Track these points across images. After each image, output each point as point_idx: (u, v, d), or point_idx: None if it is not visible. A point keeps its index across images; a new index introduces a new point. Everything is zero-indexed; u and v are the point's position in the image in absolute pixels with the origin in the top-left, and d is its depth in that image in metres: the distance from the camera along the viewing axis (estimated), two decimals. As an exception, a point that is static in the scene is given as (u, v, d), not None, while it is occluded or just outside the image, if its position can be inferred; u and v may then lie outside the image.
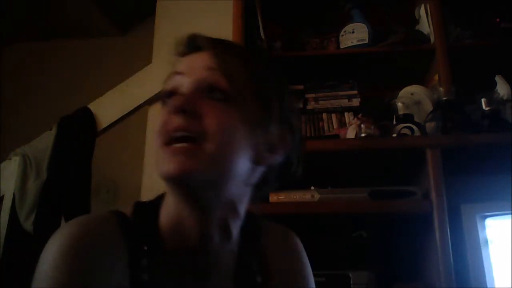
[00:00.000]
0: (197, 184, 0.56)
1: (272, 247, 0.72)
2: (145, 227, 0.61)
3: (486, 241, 1.25)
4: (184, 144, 0.55)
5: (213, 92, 0.58)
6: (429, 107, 1.52)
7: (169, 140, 0.56)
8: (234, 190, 0.61)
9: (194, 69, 0.60)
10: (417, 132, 1.42)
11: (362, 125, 1.45)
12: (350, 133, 1.50)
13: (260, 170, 0.63)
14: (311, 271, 0.76)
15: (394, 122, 1.49)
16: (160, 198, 0.65)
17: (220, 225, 0.61)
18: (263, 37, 1.64)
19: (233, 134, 0.57)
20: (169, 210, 0.62)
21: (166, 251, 0.61)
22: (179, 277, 0.62)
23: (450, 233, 1.25)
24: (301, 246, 0.77)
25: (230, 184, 0.59)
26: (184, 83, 0.60)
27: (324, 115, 1.73)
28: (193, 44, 0.64)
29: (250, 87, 0.60)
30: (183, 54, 0.65)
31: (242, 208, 0.64)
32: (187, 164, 0.54)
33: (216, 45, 0.62)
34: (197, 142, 0.55)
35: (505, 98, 1.46)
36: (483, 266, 1.22)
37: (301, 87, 1.75)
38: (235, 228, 0.64)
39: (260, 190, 0.66)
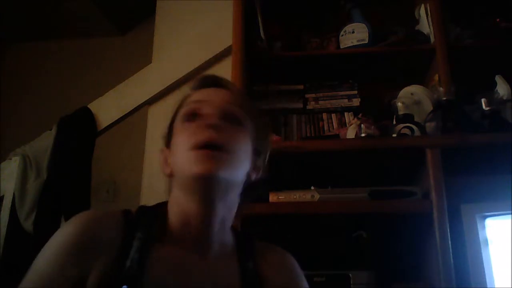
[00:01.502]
0: (218, 182, 0.71)
1: (268, 266, 0.80)
2: (146, 220, 0.75)
3: (486, 241, 1.25)
4: (212, 152, 0.70)
5: (232, 119, 0.76)
6: (429, 107, 1.52)
7: (199, 146, 0.70)
8: (233, 196, 0.77)
9: (214, 100, 0.77)
10: (417, 132, 1.42)
11: (362, 125, 1.45)
12: (350, 133, 1.50)
13: (243, 183, 0.78)
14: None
15: (394, 122, 1.49)
16: (160, 205, 0.80)
17: (220, 221, 0.76)
18: (263, 37, 1.64)
19: (243, 150, 0.76)
20: (178, 209, 0.76)
21: (172, 236, 0.74)
22: (182, 260, 0.73)
23: (450, 233, 1.25)
24: (297, 266, 0.84)
25: (234, 189, 0.76)
26: (205, 108, 0.76)
27: (324, 115, 1.73)
28: (209, 82, 0.82)
29: (255, 122, 0.80)
30: (201, 87, 0.82)
31: (234, 211, 0.79)
32: (216, 165, 0.70)
33: (229, 85, 0.83)
34: (222, 151, 0.71)
35: (505, 98, 1.46)
36: (483, 266, 1.22)
37: (301, 87, 1.75)
38: (228, 225, 0.79)
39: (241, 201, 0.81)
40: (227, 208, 0.77)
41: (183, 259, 0.73)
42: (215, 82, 0.82)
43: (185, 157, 0.72)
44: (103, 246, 0.68)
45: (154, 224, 0.74)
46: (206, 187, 0.72)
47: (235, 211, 0.79)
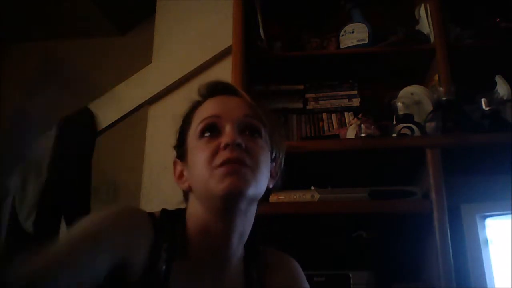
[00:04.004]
0: (243, 200, 0.71)
1: (272, 270, 0.82)
2: (169, 227, 0.75)
3: (486, 241, 1.25)
4: (239, 166, 0.70)
5: (250, 131, 0.76)
6: (429, 107, 1.52)
7: (223, 166, 0.70)
8: (253, 209, 0.77)
9: (231, 113, 0.76)
10: (417, 132, 1.42)
11: (362, 125, 1.45)
12: (350, 133, 1.50)
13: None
14: None
15: (394, 122, 1.49)
16: (180, 211, 0.79)
17: (239, 235, 0.75)
18: (263, 37, 1.64)
19: (265, 162, 0.75)
20: (197, 222, 0.75)
21: (191, 249, 0.74)
22: (199, 273, 0.74)
23: (450, 233, 1.25)
24: (300, 270, 0.86)
25: (255, 203, 0.76)
26: (222, 123, 0.75)
27: (324, 115, 1.73)
28: (221, 89, 0.81)
29: (271, 129, 0.79)
30: (212, 95, 0.81)
31: (251, 226, 0.78)
32: (242, 183, 0.70)
33: (239, 92, 0.80)
34: (246, 168, 0.71)
35: (505, 98, 1.46)
36: (483, 266, 1.22)
37: (301, 87, 1.75)
38: (245, 237, 0.78)
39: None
40: (247, 221, 0.77)
41: (202, 274, 0.74)
42: (226, 89, 0.81)
43: (208, 176, 0.70)
44: (139, 242, 0.69)
45: (177, 234, 0.75)
46: (231, 205, 0.72)
47: (252, 222, 0.79)
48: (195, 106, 0.81)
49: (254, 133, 0.76)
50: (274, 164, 0.80)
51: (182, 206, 0.81)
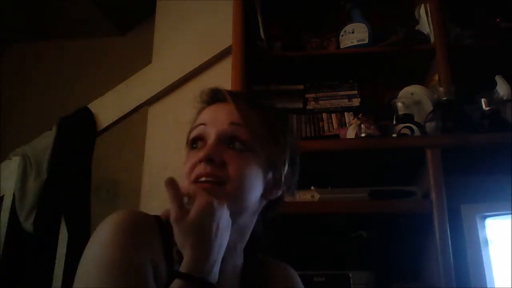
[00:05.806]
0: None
1: (273, 280, 0.83)
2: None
3: (486, 241, 1.25)
4: (208, 185, 0.68)
5: (234, 143, 0.72)
6: (429, 107, 1.52)
7: (196, 181, 0.69)
8: (245, 219, 0.74)
9: (217, 121, 0.73)
10: (417, 132, 1.42)
11: (362, 125, 1.45)
12: (350, 133, 1.50)
13: (259, 204, 0.76)
14: None
15: (394, 122, 1.50)
16: None
17: (230, 245, 0.70)
18: (263, 37, 1.64)
19: (249, 177, 0.71)
20: None
21: None
22: None
23: (450, 233, 1.25)
24: (298, 279, 0.87)
25: (243, 215, 0.73)
26: (208, 133, 0.73)
27: (324, 115, 1.73)
28: (216, 96, 0.78)
29: (266, 137, 0.74)
30: (207, 103, 0.78)
31: (248, 233, 0.77)
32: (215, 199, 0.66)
33: (237, 99, 0.76)
34: (219, 184, 0.68)
35: (505, 98, 1.46)
36: (483, 266, 1.22)
37: (301, 87, 1.75)
38: (240, 248, 0.77)
39: (265, 215, 0.80)
40: (238, 232, 0.74)
41: None
42: (223, 97, 0.77)
43: (187, 189, 0.69)
44: (153, 242, 0.66)
45: None
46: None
47: (250, 231, 0.77)
48: (197, 115, 0.79)
49: (238, 144, 0.72)
50: (273, 175, 0.75)
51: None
